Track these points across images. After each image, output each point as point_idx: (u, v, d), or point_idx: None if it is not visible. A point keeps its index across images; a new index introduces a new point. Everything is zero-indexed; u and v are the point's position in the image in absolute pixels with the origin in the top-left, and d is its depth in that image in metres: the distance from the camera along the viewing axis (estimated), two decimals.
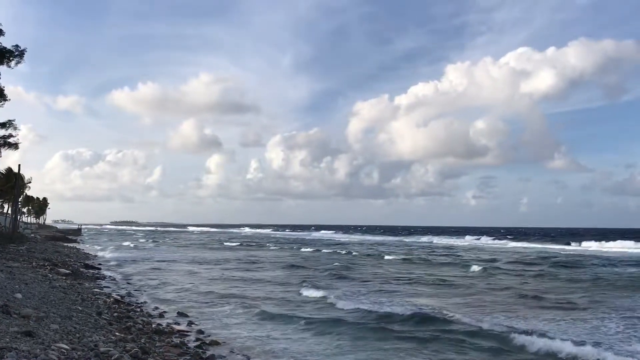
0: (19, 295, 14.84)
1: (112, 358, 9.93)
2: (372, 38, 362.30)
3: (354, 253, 56.70)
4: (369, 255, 54.22)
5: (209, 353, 12.67)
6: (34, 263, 29.27)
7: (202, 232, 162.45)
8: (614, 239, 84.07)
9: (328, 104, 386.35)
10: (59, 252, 43.19)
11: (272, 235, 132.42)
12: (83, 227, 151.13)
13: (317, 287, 24.81)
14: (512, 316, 18.44)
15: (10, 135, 36.64)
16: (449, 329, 15.69)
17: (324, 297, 21.96)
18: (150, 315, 17.61)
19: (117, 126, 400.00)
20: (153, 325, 15.42)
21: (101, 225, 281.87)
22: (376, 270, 36.71)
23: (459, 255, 54.14)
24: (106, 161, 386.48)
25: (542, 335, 14.44)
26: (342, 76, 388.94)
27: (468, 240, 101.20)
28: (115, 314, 16.32)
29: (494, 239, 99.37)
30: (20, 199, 71.16)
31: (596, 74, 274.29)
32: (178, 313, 18.29)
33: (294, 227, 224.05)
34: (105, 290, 23.13)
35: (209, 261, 44.48)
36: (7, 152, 38.03)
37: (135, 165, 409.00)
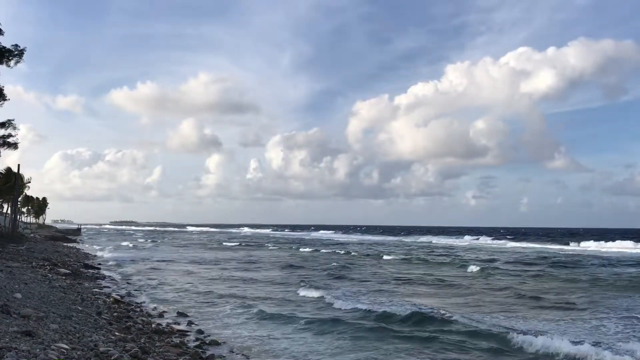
0: (18, 295, 14.85)
1: (112, 358, 9.94)
2: (372, 38, 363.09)
3: (352, 253, 56.70)
4: (367, 255, 54.23)
5: (208, 353, 12.70)
6: (33, 263, 29.27)
7: (201, 232, 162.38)
8: (613, 239, 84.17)
9: (328, 104, 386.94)
10: (59, 252, 43.20)
11: (271, 235, 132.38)
12: (82, 227, 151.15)
13: (314, 287, 24.81)
14: (510, 316, 18.48)
15: (10, 135, 36.66)
16: (448, 329, 15.71)
17: (322, 297, 21.99)
18: (149, 315, 17.64)
19: (116, 126, 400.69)
20: (153, 325, 15.45)
21: (100, 225, 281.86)
22: (375, 270, 36.75)
23: (457, 255, 54.15)
24: (105, 161, 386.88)
25: (541, 335, 14.41)
26: (342, 76, 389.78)
27: (467, 240, 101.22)
28: (115, 314, 16.34)
29: (493, 239, 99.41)
30: (19, 199, 71.15)
31: (596, 74, 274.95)
32: (178, 313, 18.32)
33: (294, 227, 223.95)
34: (105, 290, 23.15)
35: (208, 261, 44.51)
36: (6, 152, 38.09)
37: (135, 165, 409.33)
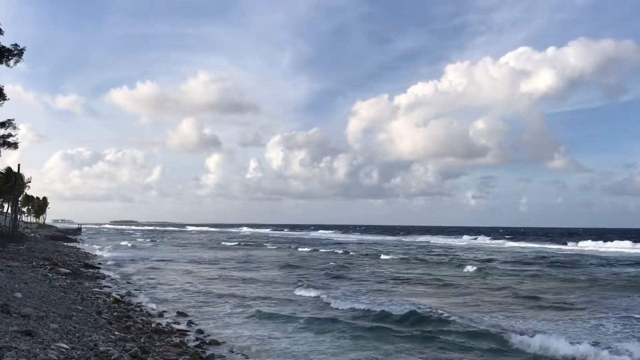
0: (18, 295, 14.88)
1: (112, 357, 9.98)
2: (371, 38, 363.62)
3: (351, 253, 56.71)
4: (366, 255, 54.21)
5: (208, 352, 12.75)
6: (33, 262, 29.29)
7: (200, 232, 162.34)
8: (612, 239, 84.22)
9: (328, 104, 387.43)
10: (59, 252, 43.21)
11: (271, 235, 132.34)
12: (82, 226, 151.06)
13: (312, 287, 24.84)
14: (509, 316, 18.51)
15: (10, 135, 36.67)
16: (447, 329, 15.74)
17: (320, 297, 22.03)
18: (149, 315, 17.68)
19: (116, 126, 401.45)
20: (153, 325, 15.49)
21: (100, 224, 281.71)
22: (373, 270, 36.79)
23: (456, 255, 54.17)
24: (105, 161, 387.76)
25: (540, 335, 14.43)
26: (342, 76, 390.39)
27: (465, 240, 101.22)
28: (115, 314, 16.38)
29: (491, 239, 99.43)
30: (20, 199, 71.16)
31: (596, 74, 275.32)
32: (177, 312, 18.36)
33: (293, 227, 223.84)
34: (105, 289, 23.19)
35: (207, 261, 44.56)
36: (6, 152, 38.16)
37: (135, 164, 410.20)
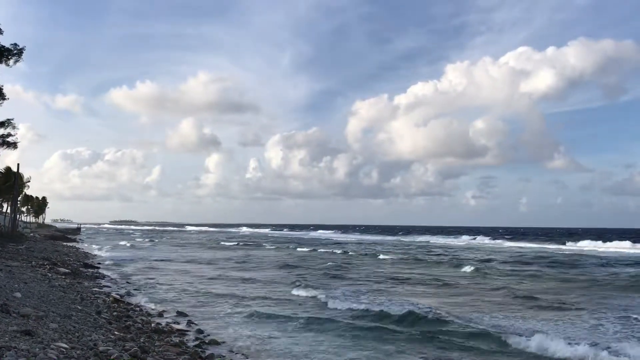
0: (18, 294, 14.89)
1: (112, 357, 9.98)
2: (371, 38, 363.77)
3: (350, 253, 56.71)
4: (364, 254, 54.22)
5: (208, 352, 12.75)
6: (33, 262, 29.30)
7: (200, 232, 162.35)
8: (612, 239, 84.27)
9: (327, 104, 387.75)
10: (59, 252, 43.21)
11: (270, 235, 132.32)
12: (82, 226, 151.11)
13: (310, 287, 24.81)
14: (508, 316, 18.51)
15: (9, 135, 36.73)
16: (446, 329, 15.74)
17: (317, 297, 22.03)
18: (149, 315, 17.68)
19: (116, 125, 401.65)
20: (152, 325, 15.49)
21: (99, 224, 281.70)
22: (371, 269, 36.80)
23: (455, 255, 54.16)
24: (105, 160, 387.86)
25: (539, 335, 14.43)
26: (342, 76, 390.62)
27: (464, 240, 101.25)
28: (115, 313, 16.39)
29: (490, 239, 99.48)
30: (19, 198, 71.12)
31: (596, 74, 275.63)
32: (177, 312, 18.36)
33: (293, 227, 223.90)
34: (105, 289, 23.19)
35: (207, 261, 44.58)
36: (5, 151, 38.06)
37: (134, 164, 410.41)
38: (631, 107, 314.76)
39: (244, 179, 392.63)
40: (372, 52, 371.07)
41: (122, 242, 75.65)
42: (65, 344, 9.97)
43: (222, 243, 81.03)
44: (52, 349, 9.24)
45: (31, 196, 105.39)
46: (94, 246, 62.67)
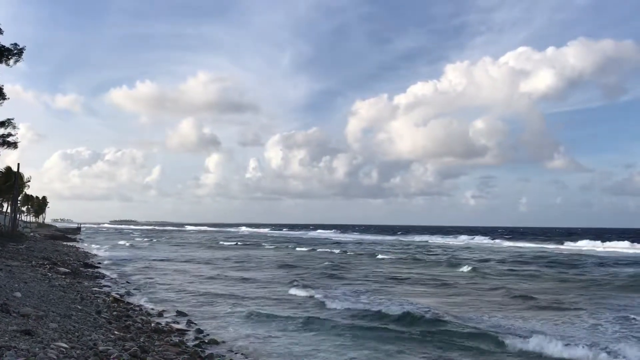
0: (18, 294, 14.92)
1: (111, 357, 10.02)
2: (371, 38, 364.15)
3: (348, 252, 56.74)
4: (363, 254, 54.25)
5: (207, 352, 12.78)
6: (33, 262, 29.33)
7: (199, 232, 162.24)
8: (611, 239, 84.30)
9: (327, 104, 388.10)
10: (59, 251, 43.23)
11: (269, 235, 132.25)
12: (82, 226, 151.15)
13: (309, 287, 24.84)
14: (506, 316, 18.52)
15: (9, 134, 36.74)
16: (444, 329, 15.76)
17: (316, 297, 22.03)
18: (149, 314, 17.72)
19: (115, 125, 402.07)
20: (152, 324, 15.53)
21: (99, 224, 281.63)
22: (370, 269, 36.82)
23: (453, 255, 54.22)
24: (105, 160, 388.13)
25: (537, 335, 14.46)
26: (342, 76, 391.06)
27: (463, 239, 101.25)
28: (115, 313, 16.42)
29: (489, 239, 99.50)
30: (19, 198, 71.13)
31: (595, 74, 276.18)
32: (177, 312, 18.40)
33: (292, 227, 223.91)
34: (105, 289, 23.22)
35: (206, 260, 44.60)
36: (6, 151, 38.07)
37: (134, 164, 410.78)
38: (631, 107, 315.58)
39: (244, 178, 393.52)
40: (372, 52, 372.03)
41: (122, 242, 75.66)
42: (65, 343, 10.00)
43: (222, 243, 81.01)
44: (52, 348, 9.27)
45: (31, 196, 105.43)
46: (93, 246, 62.68)
